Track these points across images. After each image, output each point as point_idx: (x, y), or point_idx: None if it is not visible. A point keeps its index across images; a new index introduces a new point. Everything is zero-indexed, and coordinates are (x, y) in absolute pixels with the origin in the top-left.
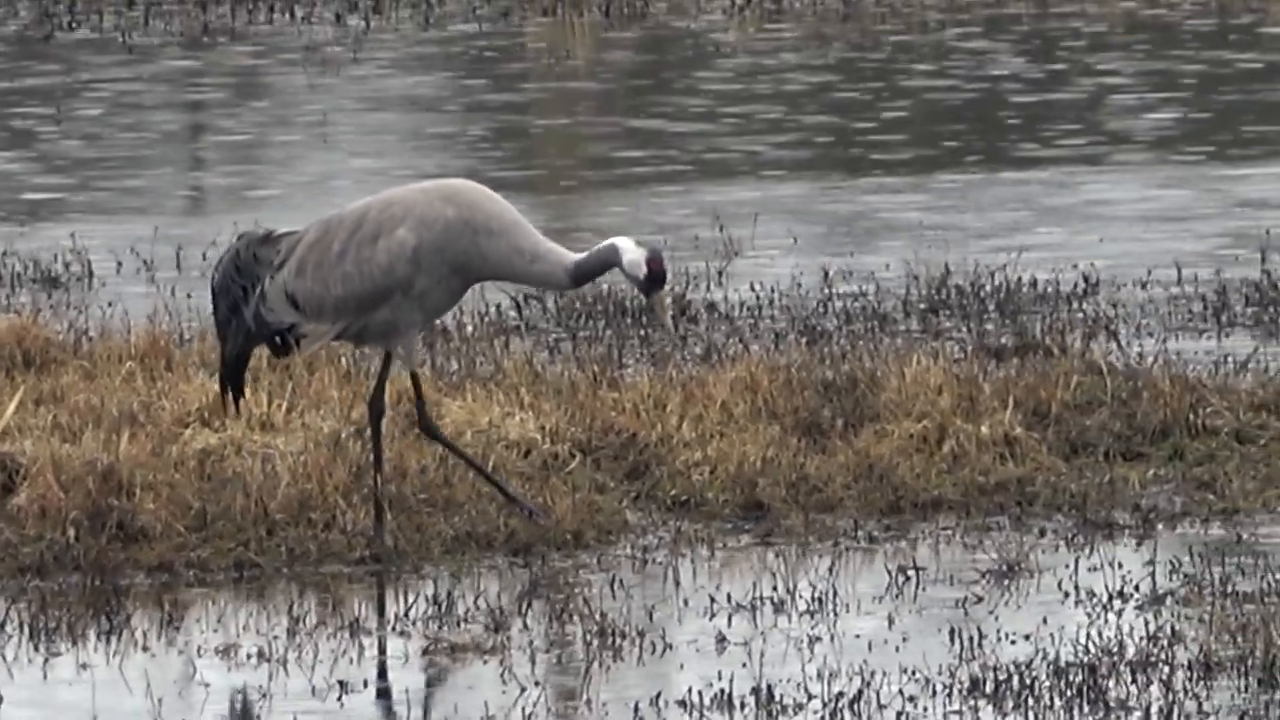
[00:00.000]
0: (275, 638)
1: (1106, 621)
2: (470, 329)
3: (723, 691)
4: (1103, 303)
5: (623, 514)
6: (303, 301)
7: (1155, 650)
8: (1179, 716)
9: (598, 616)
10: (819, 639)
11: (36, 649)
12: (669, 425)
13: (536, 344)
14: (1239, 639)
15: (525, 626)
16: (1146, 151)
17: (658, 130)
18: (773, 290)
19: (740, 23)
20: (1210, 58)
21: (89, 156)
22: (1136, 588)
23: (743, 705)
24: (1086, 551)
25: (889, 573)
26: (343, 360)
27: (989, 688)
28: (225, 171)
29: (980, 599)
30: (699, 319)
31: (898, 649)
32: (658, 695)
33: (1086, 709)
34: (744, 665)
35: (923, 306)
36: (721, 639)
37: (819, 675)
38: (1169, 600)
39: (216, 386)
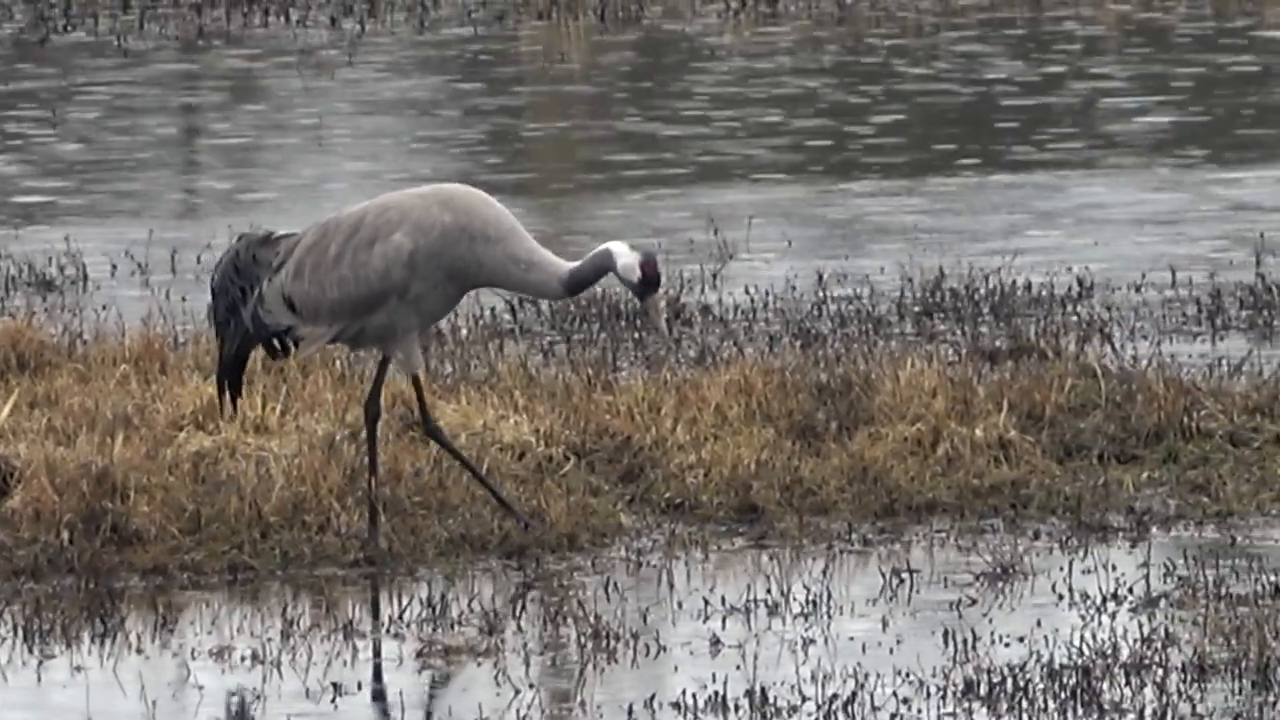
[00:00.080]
0: (269, 640)
1: (1101, 624)
2: (465, 332)
3: (717, 694)
4: (1097, 306)
5: (617, 517)
6: (299, 304)
7: (1149, 653)
8: (1173, 719)
9: (592, 619)
10: (813, 641)
11: (31, 652)
12: (663, 428)
13: (531, 347)
14: (1233, 641)
15: (519, 629)
16: (1141, 155)
17: (652, 134)
18: (767, 293)
19: (735, 26)
20: (1205, 61)
21: (84, 159)
22: (1130, 590)
23: (737, 708)
24: (1080, 554)
25: (883, 575)
26: (337, 363)
27: (983, 690)
28: (220, 175)
29: (974, 601)
30: (693, 322)
31: (892, 651)
32: (652, 697)
33: (1080, 711)
34: (738, 668)
35: (917, 309)
36: (716, 641)
37: (813, 677)
38: (1163, 603)
39: (211, 389)
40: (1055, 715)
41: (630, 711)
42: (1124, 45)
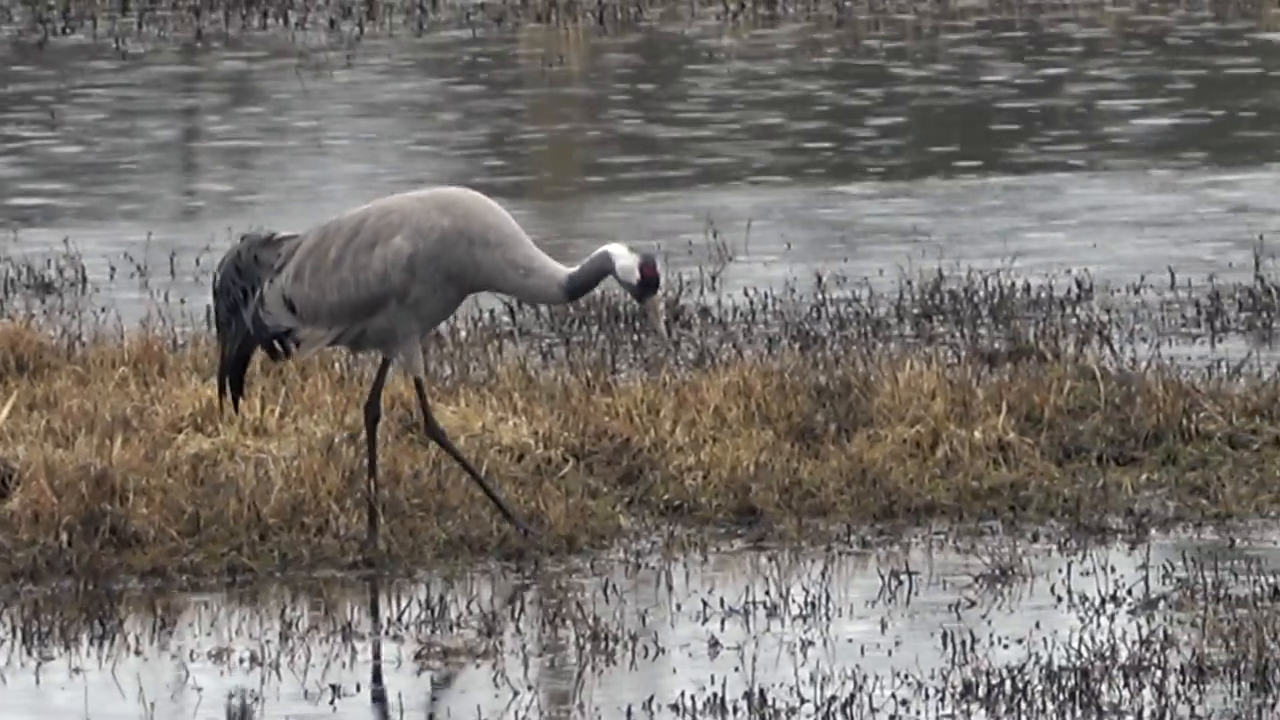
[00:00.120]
0: (268, 642)
1: (1099, 626)
2: (464, 334)
3: (715, 696)
4: (1096, 308)
5: (616, 519)
6: (299, 306)
7: (1148, 655)
8: None
9: (590, 621)
10: (812, 643)
11: (29, 654)
12: (662, 430)
13: (530, 349)
14: (1232, 643)
15: (518, 631)
16: (1140, 157)
17: (651, 136)
18: (766, 295)
19: (734, 28)
20: (1204, 63)
21: (82, 162)
22: (1129, 592)
23: (735, 710)
24: (1079, 556)
25: (882, 577)
26: (336, 365)
27: (982, 692)
28: (219, 177)
29: (973, 603)
30: (692, 324)
31: (890, 653)
32: (650, 700)
33: (1079, 713)
34: (737, 670)
35: (916, 312)
36: (714, 643)
37: (812, 680)
38: (1162, 605)
39: (210, 391)
40: (1054, 717)
41: (629, 713)
42: (1123, 48)
